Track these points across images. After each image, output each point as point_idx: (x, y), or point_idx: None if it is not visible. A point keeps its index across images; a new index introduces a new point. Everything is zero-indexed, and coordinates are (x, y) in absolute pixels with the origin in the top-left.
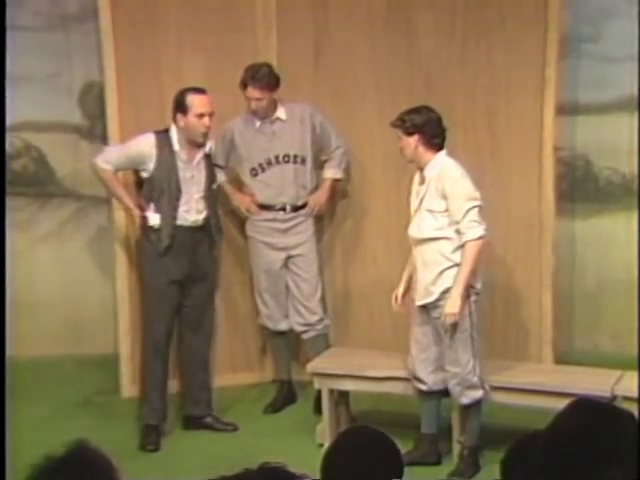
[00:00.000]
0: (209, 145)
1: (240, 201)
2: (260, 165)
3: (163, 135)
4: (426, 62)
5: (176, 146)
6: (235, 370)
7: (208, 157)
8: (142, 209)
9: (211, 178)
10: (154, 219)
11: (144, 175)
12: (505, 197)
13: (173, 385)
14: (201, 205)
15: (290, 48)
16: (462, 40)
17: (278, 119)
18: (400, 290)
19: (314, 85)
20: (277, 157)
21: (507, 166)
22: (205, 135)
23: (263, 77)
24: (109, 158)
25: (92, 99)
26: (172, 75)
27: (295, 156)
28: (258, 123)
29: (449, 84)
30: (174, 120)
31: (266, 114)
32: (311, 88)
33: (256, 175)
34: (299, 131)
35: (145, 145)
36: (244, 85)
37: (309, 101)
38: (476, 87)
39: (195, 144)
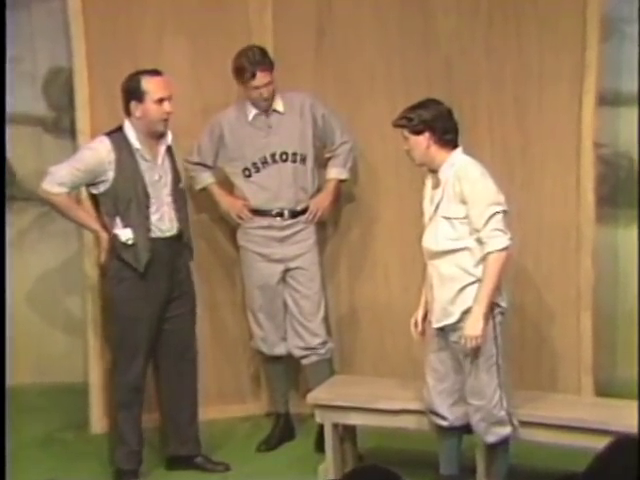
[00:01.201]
0: (170, 137)
1: (230, 206)
2: (254, 164)
3: (117, 135)
4: (446, 45)
5: (136, 144)
6: (224, 401)
7: (170, 151)
8: (106, 228)
9: (177, 177)
10: (126, 234)
11: (101, 189)
12: (537, 201)
13: (149, 419)
14: (173, 211)
15: (288, 28)
16: (487, 19)
17: (275, 111)
18: (419, 314)
19: (315, 72)
20: (274, 155)
21: (540, 165)
22: (166, 122)
23: (265, 57)
24: (61, 179)
25: (59, 87)
26: (151, 60)
27: (294, 154)
28: (252, 115)
29: (472, 71)
30: (127, 111)
31: (270, 103)
32: (312, 75)
33: (249, 176)
34: (299, 125)
35: (103, 151)
36: (251, 74)
37: (310, 90)
38: (504, 74)
39: (155, 135)
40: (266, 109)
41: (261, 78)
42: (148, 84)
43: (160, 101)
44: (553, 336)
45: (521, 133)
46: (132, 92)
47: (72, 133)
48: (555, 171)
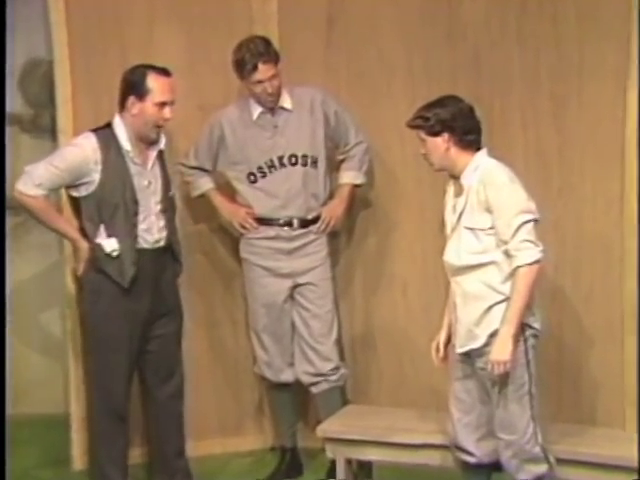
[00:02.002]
0: (163, 141)
1: (233, 214)
2: (260, 169)
3: (105, 132)
4: (473, 34)
5: (126, 145)
6: (224, 434)
7: (161, 156)
8: (87, 237)
9: (167, 184)
10: (110, 245)
11: (82, 192)
12: (576, 210)
13: (135, 455)
14: (162, 221)
15: (294, 17)
16: (520, 5)
17: (282, 108)
18: (442, 337)
19: (326, 65)
20: (281, 158)
21: (579, 170)
22: (160, 129)
23: (268, 48)
24: (39, 179)
25: (37, 81)
26: (141, 52)
27: (304, 156)
28: (256, 114)
29: (503, 63)
30: (122, 105)
31: (276, 100)
32: (322, 69)
33: (255, 181)
34: (309, 124)
35: (88, 148)
36: (252, 67)
37: (320, 86)
38: (539, 67)
39: (146, 140)
40: (272, 107)
41: (264, 71)
42: (154, 82)
43: (162, 105)
44: (594, 363)
45: (558, 133)
46: (133, 86)
47: (52, 133)
48: (596, 176)
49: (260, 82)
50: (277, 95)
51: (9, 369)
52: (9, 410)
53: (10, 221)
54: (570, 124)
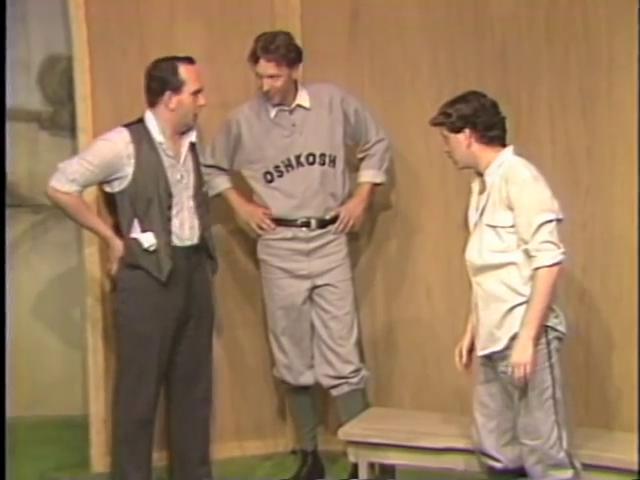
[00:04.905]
0: (194, 133)
1: (250, 214)
2: (277, 168)
3: (137, 127)
4: (500, 28)
5: (159, 137)
6: (242, 438)
7: (193, 149)
8: (121, 234)
9: (200, 179)
10: (148, 240)
11: (115, 187)
12: (605, 210)
13: (159, 457)
14: (195, 218)
15: (317, 11)
16: None
17: (300, 106)
18: (465, 342)
19: (350, 60)
20: (298, 157)
21: (609, 168)
22: (196, 116)
23: (280, 47)
24: (72, 175)
25: (56, 78)
26: (162, 47)
27: (322, 155)
28: (273, 112)
29: (531, 58)
30: (154, 101)
31: (283, 99)
32: (345, 64)
33: (271, 181)
34: (327, 122)
35: (120, 143)
36: (255, 58)
37: (342, 82)
38: (568, 61)
39: (185, 129)
40: (277, 104)
41: (263, 67)
42: (186, 73)
43: (196, 93)
44: (622, 366)
45: (587, 131)
46: (167, 81)
47: (72, 130)
48: (626, 175)
49: (259, 76)
50: (277, 95)
51: (23, 370)
52: (26, 412)
53: (29, 220)
54: (600, 121)
